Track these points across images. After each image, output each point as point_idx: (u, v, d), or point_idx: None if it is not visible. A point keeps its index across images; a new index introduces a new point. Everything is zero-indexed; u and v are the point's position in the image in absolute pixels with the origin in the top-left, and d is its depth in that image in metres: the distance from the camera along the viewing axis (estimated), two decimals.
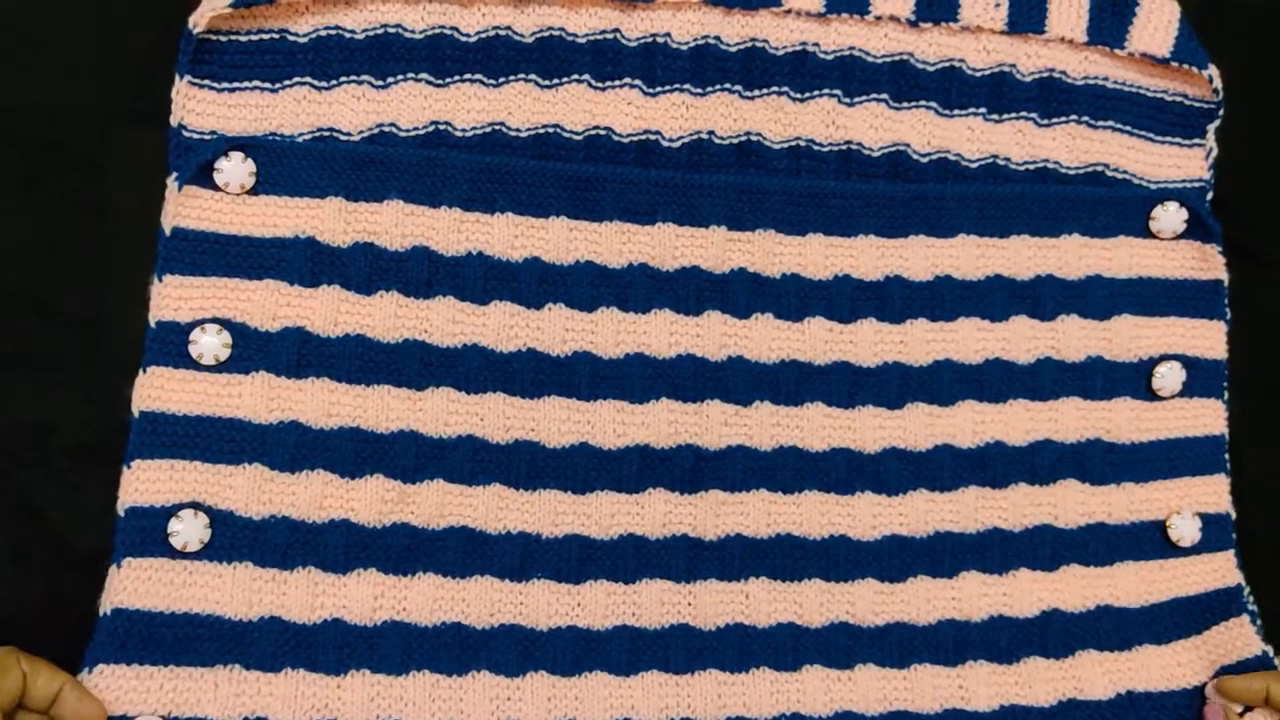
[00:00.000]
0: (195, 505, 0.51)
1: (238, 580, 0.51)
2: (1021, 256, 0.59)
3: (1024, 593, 0.58)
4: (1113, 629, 0.58)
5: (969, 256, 0.58)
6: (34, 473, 0.53)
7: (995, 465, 0.58)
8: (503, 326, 0.54)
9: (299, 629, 0.52)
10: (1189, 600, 0.59)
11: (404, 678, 0.52)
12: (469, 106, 0.55)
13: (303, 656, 0.51)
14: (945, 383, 0.58)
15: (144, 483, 0.51)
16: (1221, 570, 0.60)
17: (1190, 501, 0.60)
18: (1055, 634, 0.58)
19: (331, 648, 0.52)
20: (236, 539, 0.51)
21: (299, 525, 0.52)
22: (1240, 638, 0.59)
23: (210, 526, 0.51)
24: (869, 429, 0.57)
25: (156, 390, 0.51)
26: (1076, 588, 0.58)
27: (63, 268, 0.53)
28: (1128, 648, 0.58)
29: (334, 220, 0.53)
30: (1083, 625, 0.58)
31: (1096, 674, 0.57)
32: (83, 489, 0.53)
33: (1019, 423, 0.58)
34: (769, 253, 0.57)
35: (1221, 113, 0.60)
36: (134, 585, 0.50)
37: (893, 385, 0.57)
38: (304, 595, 0.52)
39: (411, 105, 0.54)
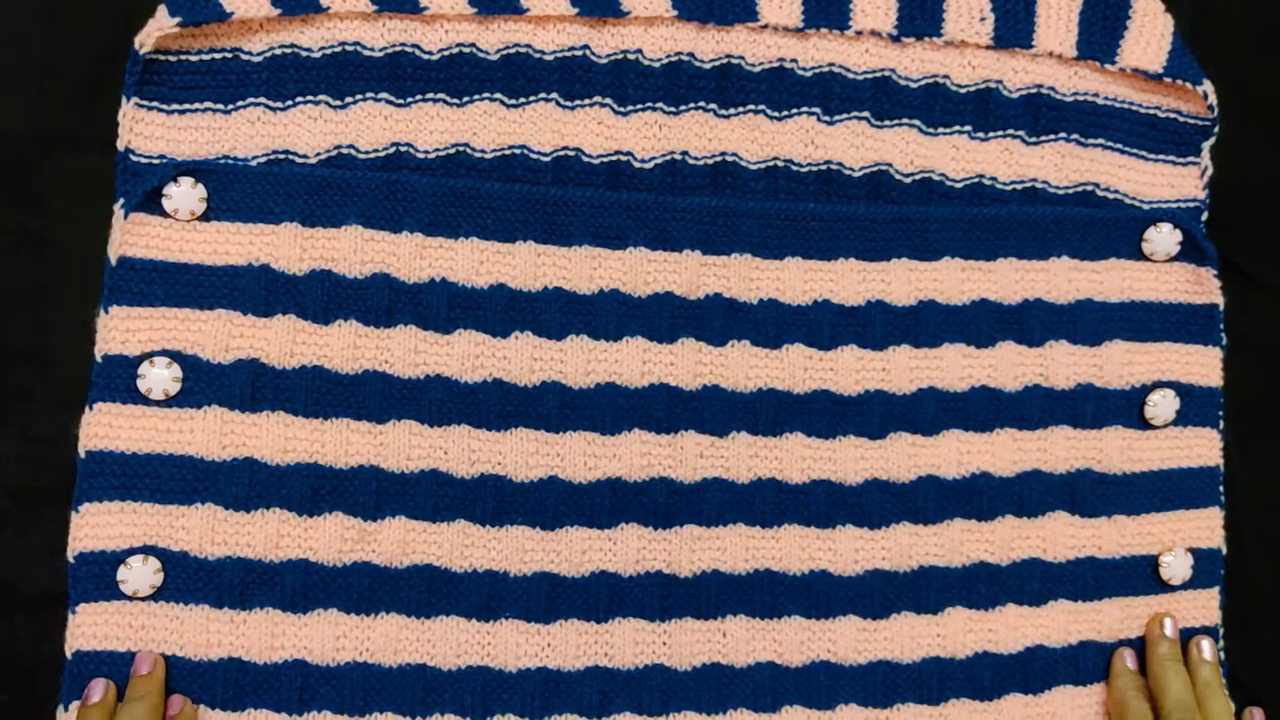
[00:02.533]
0: (147, 549, 0.50)
1: (194, 622, 0.50)
2: (1008, 280, 0.57)
3: (1009, 628, 0.56)
4: (1091, 664, 0.57)
5: (954, 280, 0.56)
6: None
7: (981, 497, 0.56)
8: (467, 356, 0.52)
9: (260, 669, 0.50)
10: None
11: (366, 719, 0.51)
12: (431, 127, 0.53)
13: (265, 697, 0.50)
14: (929, 412, 0.56)
15: (93, 527, 0.49)
16: (1205, 609, 0.58)
17: (1182, 536, 0.58)
18: (1037, 670, 0.56)
19: (293, 688, 0.51)
20: (190, 581, 0.50)
21: (255, 565, 0.50)
22: None
23: (162, 570, 0.50)
24: (850, 460, 0.55)
25: (104, 427, 0.50)
26: (1061, 623, 0.57)
27: (3, 299, 0.51)
28: (1100, 681, 0.57)
29: (289, 247, 0.51)
30: (1063, 660, 0.56)
31: (1068, 709, 0.56)
32: (28, 529, 0.51)
33: (1006, 453, 0.56)
34: (745, 277, 0.55)
35: (1216, 130, 0.58)
36: (91, 629, 0.49)
37: (874, 414, 0.55)
38: (263, 636, 0.50)
39: (371, 126, 0.52)
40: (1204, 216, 0.59)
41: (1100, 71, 0.57)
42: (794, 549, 0.54)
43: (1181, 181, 0.59)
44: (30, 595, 0.51)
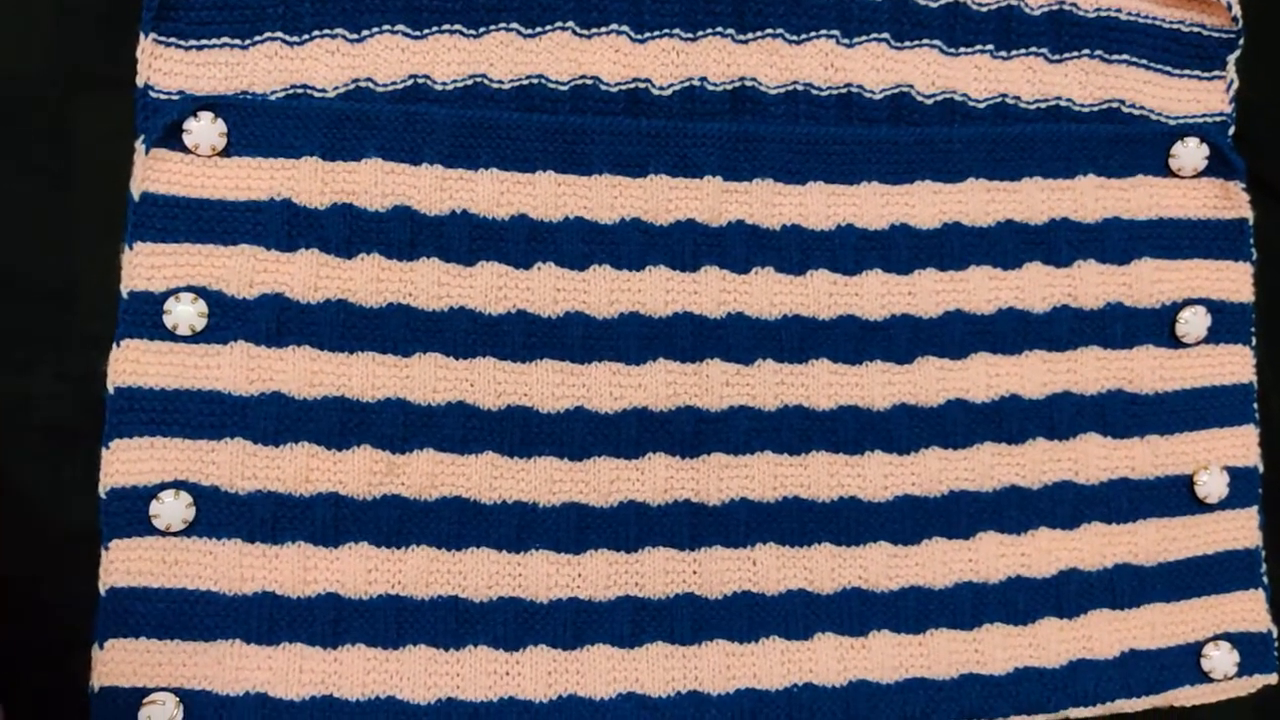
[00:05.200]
0: (178, 484, 0.50)
1: (227, 556, 0.50)
2: (1034, 200, 0.56)
3: (1042, 552, 0.55)
4: (1127, 587, 0.56)
5: (978, 201, 0.56)
6: (10, 452, 0.51)
7: (1011, 420, 0.56)
8: (491, 288, 0.52)
9: (293, 603, 0.50)
10: (1206, 559, 0.57)
11: (400, 651, 0.51)
12: (448, 59, 0.53)
13: (299, 630, 0.50)
14: (956, 335, 0.55)
15: (124, 463, 0.50)
16: (1244, 529, 0.58)
17: (1217, 455, 0.57)
18: (1071, 594, 0.55)
19: (326, 621, 0.51)
20: (222, 515, 0.50)
21: (285, 499, 0.51)
22: (1251, 611, 0.57)
23: (194, 505, 0.50)
24: (877, 385, 0.55)
25: (131, 364, 0.50)
26: (1096, 546, 0.56)
27: (30, 239, 0.51)
28: (1138, 605, 0.56)
29: (310, 181, 0.51)
30: (1099, 584, 0.56)
31: (1105, 633, 0.55)
32: (61, 467, 0.51)
33: (1036, 375, 0.56)
34: (768, 203, 0.54)
35: (1242, 43, 0.57)
36: (125, 565, 0.49)
37: (901, 339, 0.55)
38: (295, 569, 0.51)
39: (388, 59, 0.52)
40: (1231, 130, 0.58)
41: None
42: (823, 476, 0.54)
43: (1207, 96, 0.58)
44: (64, 532, 0.51)
